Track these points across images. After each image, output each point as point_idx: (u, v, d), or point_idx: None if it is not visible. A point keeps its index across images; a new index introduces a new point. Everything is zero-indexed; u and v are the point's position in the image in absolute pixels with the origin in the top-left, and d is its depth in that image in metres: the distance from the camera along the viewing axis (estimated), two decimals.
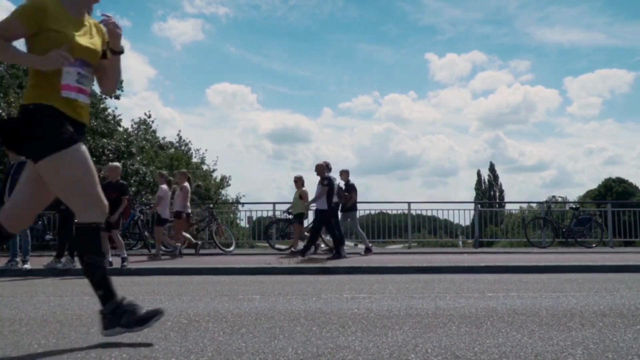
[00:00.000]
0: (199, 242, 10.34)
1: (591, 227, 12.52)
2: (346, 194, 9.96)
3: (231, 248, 11.05)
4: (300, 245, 9.98)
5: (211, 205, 12.53)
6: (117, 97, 19.85)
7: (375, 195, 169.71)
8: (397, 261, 7.95)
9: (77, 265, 7.39)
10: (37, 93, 2.51)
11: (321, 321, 3.21)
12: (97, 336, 2.79)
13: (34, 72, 2.52)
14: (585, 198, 44.24)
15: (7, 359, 2.34)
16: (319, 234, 9.70)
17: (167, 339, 2.70)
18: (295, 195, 10.54)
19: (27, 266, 7.20)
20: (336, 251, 9.07)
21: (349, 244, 15.32)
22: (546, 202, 13.47)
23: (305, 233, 10.42)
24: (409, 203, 13.49)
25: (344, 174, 10.36)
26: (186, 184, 9.91)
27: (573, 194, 71.96)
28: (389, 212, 14.49)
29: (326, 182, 9.16)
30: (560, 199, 15.51)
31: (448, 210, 14.63)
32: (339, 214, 10.05)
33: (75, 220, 2.54)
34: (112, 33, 2.65)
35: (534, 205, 17.40)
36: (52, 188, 2.55)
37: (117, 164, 8.27)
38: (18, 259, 7.26)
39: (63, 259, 7.27)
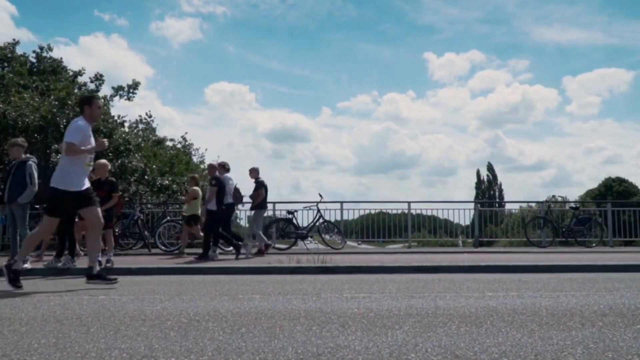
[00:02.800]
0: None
1: (591, 226, 12.51)
2: (241, 193, 9.87)
3: (231, 247, 11.04)
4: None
5: None
6: (129, 99, 19.82)
7: (375, 194, 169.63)
8: (397, 261, 7.95)
9: (77, 264, 7.39)
10: None
11: (321, 321, 3.21)
12: (97, 335, 2.79)
13: None
14: (586, 197, 44.21)
15: (7, 359, 2.34)
16: (218, 234, 9.14)
17: (167, 339, 2.70)
18: (189, 194, 10.27)
19: (27, 265, 7.19)
20: (204, 252, 8.72)
21: (351, 243, 15.32)
22: (546, 201, 13.48)
23: (201, 233, 10.17)
24: (409, 203, 13.49)
25: (253, 172, 10.15)
26: None
27: (572, 193, 72.04)
28: (389, 211, 14.49)
29: (214, 183, 8.95)
30: (560, 199, 15.51)
31: (448, 209, 14.64)
32: (250, 213, 9.99)
33: None
34: None
35: (533, 204, 17.40)
36: None
37: (104, 161, 8.18)
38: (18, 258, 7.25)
39: (63, 258, 7.26)
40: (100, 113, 5.51)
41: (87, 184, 5.32)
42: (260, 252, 9.83)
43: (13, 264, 5.18)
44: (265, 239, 10.18)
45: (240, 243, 9.23)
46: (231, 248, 9.67)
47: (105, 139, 5.57)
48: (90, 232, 5.44)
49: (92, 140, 5.35)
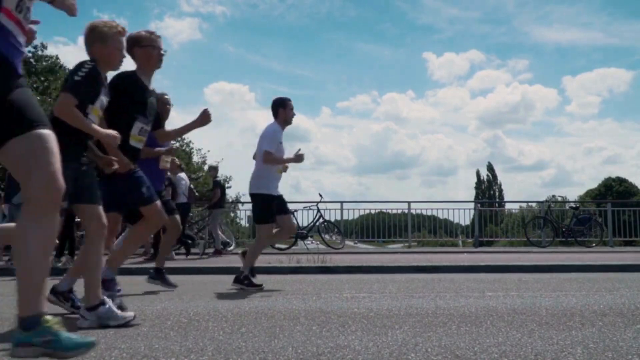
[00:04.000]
0: None
1: (591, 226, 12.52)
2: (195, 193, 9.98)
3: (231, 247, 11.05)
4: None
5: None
6: None
7: (375, 194, 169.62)
8: (397, 261, 7.95)
9: None
10: None
11: (321, 320, 3.21)
12: (97, 335, 2.79)
13: None
14: (586, 197, 44.23)
15: (7, 358, 2.34)
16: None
17: (167, 338, 2.70)
18: None
19: None
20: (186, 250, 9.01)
21: (349, 242, 15.33)
22: (546, 201, 13.48)
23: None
24: (409, 202, 13.50)
25: (212, 170, 10.38)
26: None
27: (572, 193, 72.01)
28: (389, 211, 14.51)
29: (167, 183, 9.02)
30: (560, 199, 15.53)
31: (448, 209, 14.70)
32: (207, 212, 10.22)
33: None
34: None
35: (533, 204, 17.40)
36: None
37: None
38: None
39: (63, 258, 7.26)
40: (294, 114, 5.27)
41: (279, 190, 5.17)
42: (217, 253, 9.93)
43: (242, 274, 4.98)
44: (224, 239, 10.36)
45: (189, 241, 9.26)
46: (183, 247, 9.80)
47: (301, 153, 5.26)
48: (279, 236, 5.29)
49: (282, 145, 5.15)
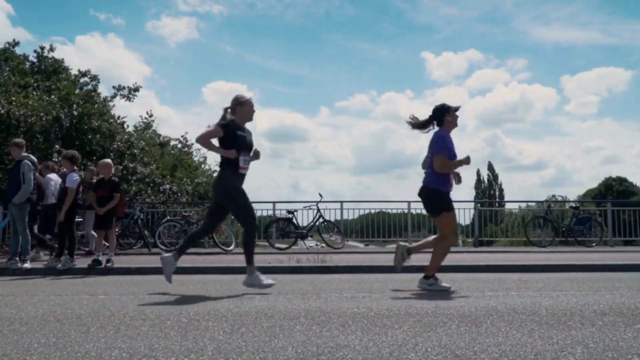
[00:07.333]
0: None
1: (591, 226, 12.51)
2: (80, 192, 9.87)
3: (231, 247, 11.05)
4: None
5: None
6: (129, 99, 19.80)
7: (375, 194, 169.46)
8: None
9: (77, 264, 7.39)
10: None
11: (321, 320, 3.21)
12: (97, 335, 2.79)
13: None
14: (586, 197, 44.21)
15: (7, 358, 2.34)
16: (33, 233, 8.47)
17: (167, 338, 2.70)
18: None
19: (27, 265, 7.19)
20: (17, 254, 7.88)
21: (354, 243, 15.32)
22: (546, 201, 13.47)
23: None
24: (408, 202, 13.49)
25: (88, 172, 10.26)
26: None
27: (572, 192, 71.94)
28: (389, 211, 14.49)
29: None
30: (560, 198, 15.50)
31: None
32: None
33: None
34: None
35: (533, 204, 17.39)
36: None
37: (108, 160, 8.17)
38: (18, 258, 7.25)
39: (63, 259, 7.25)
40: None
41: None
42: (90, 254, 9.78)
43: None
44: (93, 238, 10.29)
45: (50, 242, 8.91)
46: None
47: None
48: None
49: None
